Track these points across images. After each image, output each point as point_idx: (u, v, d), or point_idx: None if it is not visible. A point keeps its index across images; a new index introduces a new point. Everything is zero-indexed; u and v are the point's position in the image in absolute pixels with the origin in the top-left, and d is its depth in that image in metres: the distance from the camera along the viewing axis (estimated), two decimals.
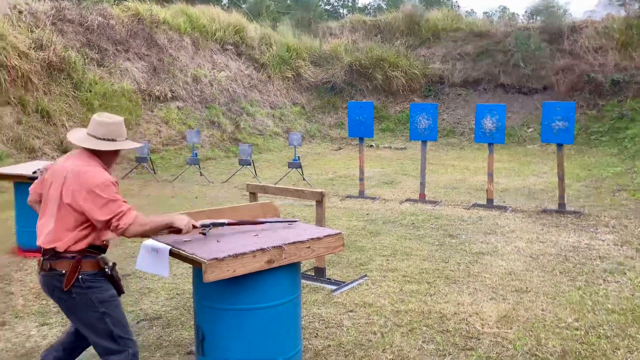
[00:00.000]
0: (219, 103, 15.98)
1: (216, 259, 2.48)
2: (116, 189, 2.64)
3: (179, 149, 13.14)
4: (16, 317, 4.06)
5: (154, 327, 3.92)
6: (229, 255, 2.52)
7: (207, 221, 2.98)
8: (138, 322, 4.00)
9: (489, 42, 19.66)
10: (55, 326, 3.92)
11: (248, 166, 10.63)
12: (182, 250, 2.68)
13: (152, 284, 4.84)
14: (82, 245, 2.58)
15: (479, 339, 3.66)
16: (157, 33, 15.39)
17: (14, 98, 10.37)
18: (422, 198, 8.60)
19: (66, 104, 11.41)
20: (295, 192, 4.85)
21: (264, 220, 3.12)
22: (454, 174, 11.78)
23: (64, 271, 2.53)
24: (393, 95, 19.97)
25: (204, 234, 2.87)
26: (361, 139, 9.13)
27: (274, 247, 2.67)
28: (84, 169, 2.59)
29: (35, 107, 10.69)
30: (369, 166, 13.04)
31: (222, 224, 3.00)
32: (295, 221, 3.18)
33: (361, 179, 9.06)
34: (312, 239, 2.83)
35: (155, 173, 11.04)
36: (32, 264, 5.32)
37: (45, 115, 10.79)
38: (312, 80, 20.12)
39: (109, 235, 2.72)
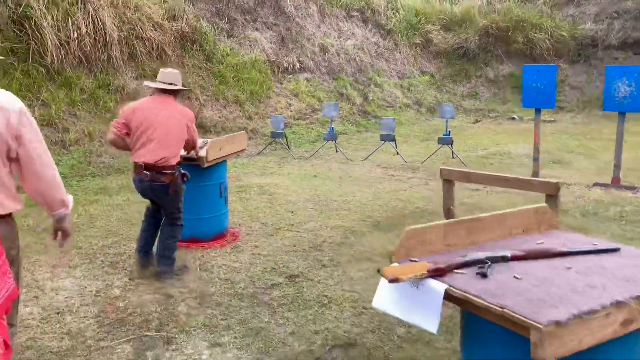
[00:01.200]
0: (346, 74, 15.00)
1: (558, 322, 1.42)
2: None
3: (309, 122, 12.37)
4: (182, 332, 3.34)
5: None
6: (574, 315, 1.45)
7: (481, 254, 1.92)
8: (330, 349, 3.11)
9: None
10: (230, 348, 3.14)
11: (390, 142, 9.57)
12: (479, 298, 1.64)
13: (329, 290, 3.96)
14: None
15: None
16: (283, 0, 14.63)
17: (149, 71, 10.06)
18: (615, 183, 7.05)
19: (199, 76, 10.99)
20: (517, 182, 3.66)
21: (570, 250, 1.99)
22: (631, 152, 9.90)
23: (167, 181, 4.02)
24: (535, 61, 17.76)
25: (484, 275, 1.80)
26: (537, 111, 7.67)
27: (634, 297, 1.56)
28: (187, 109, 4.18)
29: None
30: (522, 141, 11.46)
31: (505, 259, 1.92)
32: (617, 249, 2.02)
33: (536, 159, 7.63)
34: None
35: (289, 149, 10.32)
36: (188, 257, 4.67)
37: None
38: (443, 46, 18.50)
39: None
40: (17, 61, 8.25)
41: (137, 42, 10.09)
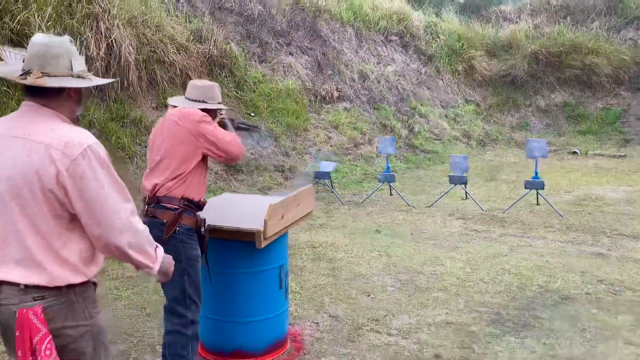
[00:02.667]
0: (387, 103, 13.44)
1: None
2: None
3: (353, 159, 10.75)
4: None
5: None
6: None
7: None
8: None
9: None
10: None
11: (462, 185, 7.87)
12: None
13: None
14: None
15: None
16: (319, 23, 13.21)
17: None
18: None
19: (229, 106, 9.45)
20: None
21: None
22: None
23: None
24: (592, 89, 16.19)
25: None
26: None
27: None
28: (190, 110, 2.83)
29: None
30: (606, 182, 9.70)
31: None
32: None
33: None
34: None
35: (333, 191, 8.66)
36: None
37: None
38: (487, 73, 16.96)
39: None
40: (13, 88, 6.78)
41: (157, 66, 8.62)
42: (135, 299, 4.27)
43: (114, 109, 7.76)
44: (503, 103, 16.55)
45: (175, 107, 2.90)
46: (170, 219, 2.69)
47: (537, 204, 7.82)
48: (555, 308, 4.06)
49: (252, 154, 9.14)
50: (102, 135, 7.37)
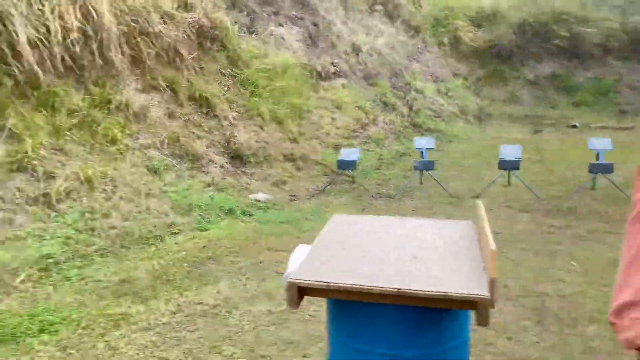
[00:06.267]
0: (382, 78, 12.30)
1: None
2: None
3: (362, 142, 9.56)
4: None
5: None
6: None
7: None
8: None
9: None
10: None
11: (514, 172, 6.87)
12: None
13: None
14: None
15: None
16: None
17: (162, 81, 7.08)
18: None
19: (224, 86, 8.07)
20: None
21: None
22: None
23: None
24: (580, 59, 15.56)
25: None
26: None
27: None
28: None
29: (190, 93, 7.38)
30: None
31: None
32: None
33: None
34: None
35: (354, 182, 7.48)
36: None
37: (203, 104, 7.45)
38: (473, 45, 16.07)
39: None
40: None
41: (142, 39, 7.10)
42: None
43: (96, 92, 6.24)
44: (490, 76, 15.73)
45: None
46: None
47: (593, 189, 6.94)
48: None
49: (256, 141, 7.81)
50: (85, 126, 5.89)
